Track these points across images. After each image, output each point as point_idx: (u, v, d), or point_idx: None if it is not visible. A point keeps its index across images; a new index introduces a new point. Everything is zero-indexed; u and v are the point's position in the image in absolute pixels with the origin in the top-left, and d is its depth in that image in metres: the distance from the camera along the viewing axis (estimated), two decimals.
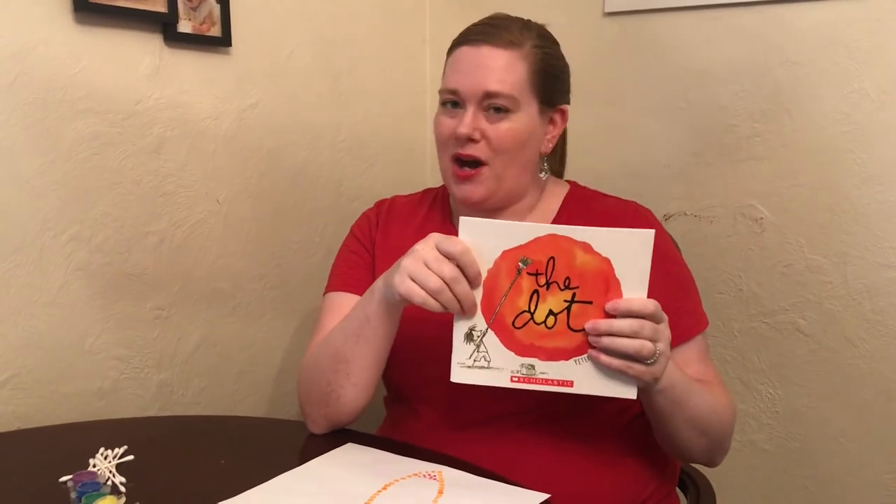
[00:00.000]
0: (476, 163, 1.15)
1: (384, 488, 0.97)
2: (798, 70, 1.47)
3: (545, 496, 0.95)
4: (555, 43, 1.22)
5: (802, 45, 1.46)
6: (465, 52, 1.16)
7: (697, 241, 1.60)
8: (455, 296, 0.96)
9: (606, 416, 1.14)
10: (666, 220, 1.63)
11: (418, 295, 0.96)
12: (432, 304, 0.96)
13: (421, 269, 0.96)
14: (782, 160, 1.51)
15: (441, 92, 1.19)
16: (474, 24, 1.20)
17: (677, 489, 1.28)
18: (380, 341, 1.08)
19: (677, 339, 1.12)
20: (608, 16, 1.66)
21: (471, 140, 1.14)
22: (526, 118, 1.16)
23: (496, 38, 1.15)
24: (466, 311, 0.97)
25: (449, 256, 0.96)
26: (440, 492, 0.96)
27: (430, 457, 1.05)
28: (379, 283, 1.06)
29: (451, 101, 1.17)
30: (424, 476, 1.00)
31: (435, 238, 0.98)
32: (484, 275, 0.97)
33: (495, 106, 1.14)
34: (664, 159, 1.63)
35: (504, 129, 1.14)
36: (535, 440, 1.12)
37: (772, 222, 1.53)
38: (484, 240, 0.96)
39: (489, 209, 1.20)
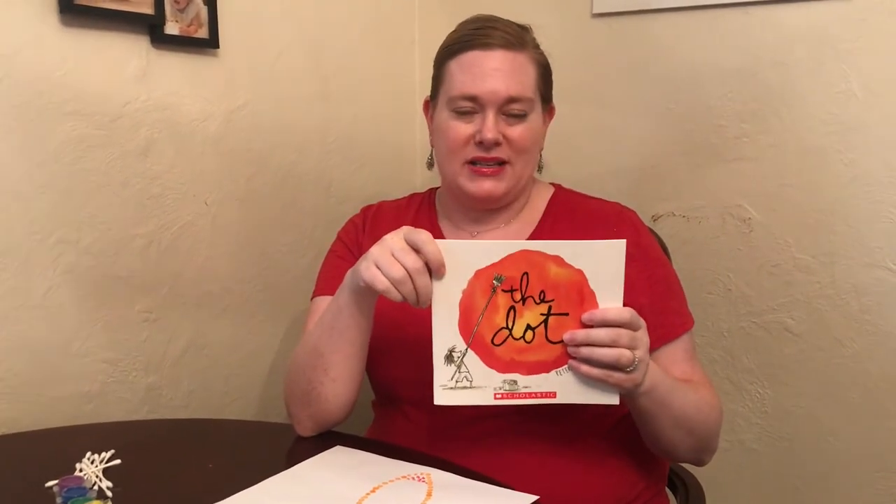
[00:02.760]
0: (499, 163, 1.16)
1: (373, 491, 0.97)
2: (786, 71, 1.48)
3: (533, 498, 0.95)
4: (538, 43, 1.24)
5: (790, 46, 1.47)
6: (476, 56, 1.15)
7: (686, 241, 1.60)
8: (414, 287, 0.96)
9: (593, 416, 1.14)
10: (654, 220, 1.63)
11: (381, 282, 0.97)
12: (394, 294, 0.97)
13: (387, 258, 0.97)
14: (770, 161, 1.51)
15: (454, 98, 1.16)
16: (471, 28, 1.18)
17: (666, 489, 1.28)
18: (353, 332, 1.08)
19: (663, 339, 1.13)
20: (597, 17, 1.66)
21: (496, 144, 1.14)
22: (537, 118, 1.19)
23: (505, 41, 1.15)
24: (421, 304, 0.97)
25: (414, 246, 0.97)
26: (429, 494, 0.96)
27: (418, 459, 1.05)
28: (348, 274, 1.06)
29: (465, 107, 1.16)
30: (413, 478, 1.00)
31: (404, 229, 1.00)
32: (459, 296, 0.97)
33: (515, 109, 1.15)
34: (653, 160, 1.63)
35: (522, 130, 1.16)
36: (522, 441, 1.12)
37: (760, 222, 1.54)
38: (456, 261, 0.97)
39: (497, 208, 1.21)
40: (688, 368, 1.15)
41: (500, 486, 0.98)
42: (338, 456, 1.08)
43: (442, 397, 0.99)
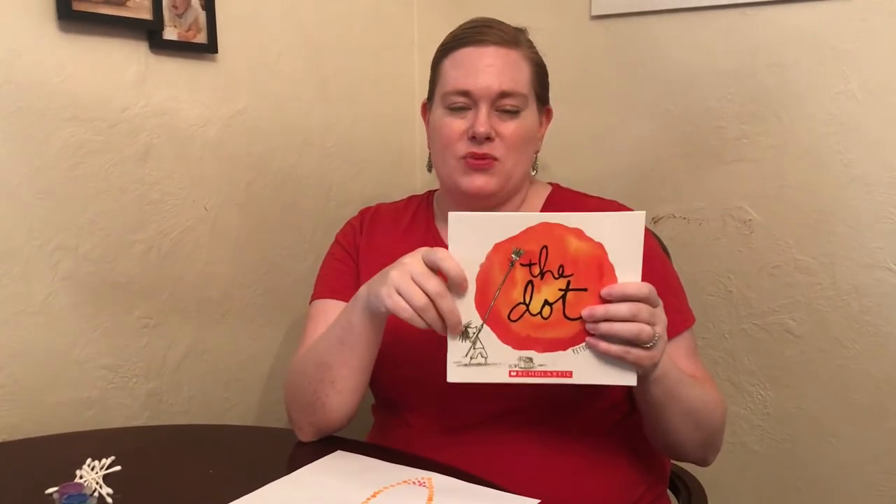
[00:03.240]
0: (491, 159, 1.16)
1: (373, 496, 0.96)
2: (785, 72, 1.48)
3: (535, 501, 0.95)
4: (534, 45, 1.24)
5: (789, 47, 1.47)
6: (470, 52, 1.16)
7: (686, 243, 1.60)
8: (439, 312, 0.94)
9: (595, 417, 1.14)
10: (655, 222, 1.63)
11: (405, 311, 0.95)
12: (418, 322, 0.95)
13: (408, 284, 0.95)
14: (770, 162, 1.51)
15: (447, 94, 1.17)
16: (467, 28, 1.20)
17: (668, 491, 1.28)
18: (363, 349, 1.08)
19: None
20: (595, 19, 1.66)
21: (488, 139, 1.14)
22: (531, 116, 1.19)
23: (499, 38, 1.16)
24: (450, 329, 0.95)
25: (433, 266, 0.95)
26: (430, 499, 0.96)
27: (420, 464, 1.05)
28: (363, 292, 1.05)
29: (459, 105, 1.16)
30: (414, 483, 1.00)
31: (422, 251, 0.98)
32: (477, 270, 0.95)
33: (508, 105, 1.15)
34: (652, 162, 1.63)
35: (515, 127, 1.16)
36: (523, 443, 1.12)
37: (760, 224, 1.53)
38: (475, 234, 0.95)
39: (490, 205, 1.21)
40: (689, 365, 1.15)
41: (502, 491, 0.98)
42: (338, 461, 1.08)
43: (455, 374, 0.97)
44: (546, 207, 1.24)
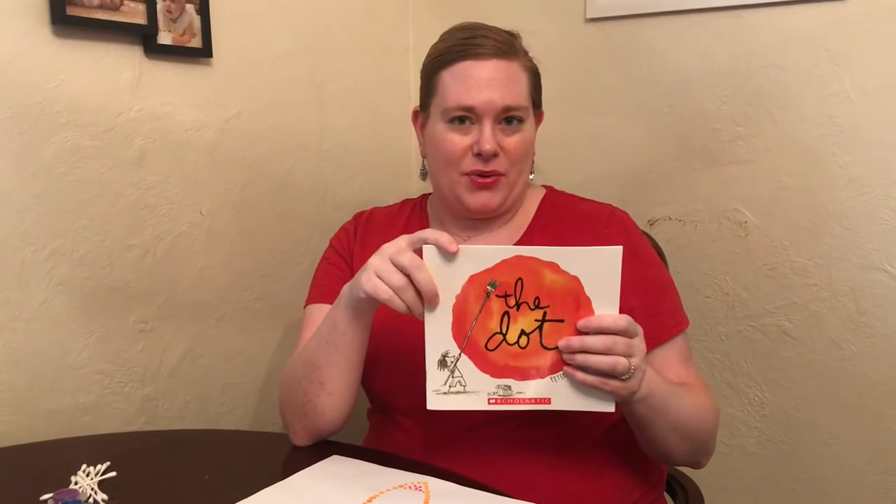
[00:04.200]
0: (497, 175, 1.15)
1: (369, 501, 0.96)
2: (780, 73, 1.48)
3: None
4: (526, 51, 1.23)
5: (784, 49, 1.47)
6: (470, 66, 1.14)
7: (682, 245, 1.60)
8: (416, 284, 0.95)
9: (588, 422, 1.14)
10: (650, 225, 1.63)
11: (384, 292, 0.96)
12: (397, 303, 0.96)
13: (386, 265, 0.97)
14: (766, 164, 1.51)
15: (449, 109, 1.15)
16: (462, 37, 1.17)
17: (665, 494, 1.28)
18: (349, 347, 1.08)
19: (657, 340, 1.12)
20: (590, 22, 1.66)
21: (493, 155, 1.14)
22: (530, 126, 1.18)
23: (497, 50, 1.14)
24: (428, 302, 0.96)
25: (411, 245, 0.97)
26: (426, 503, 0.96)
27: (415, 468, 1.05)
28: (346, 288, 1.06)
29: (460, 118, 1.15)
30: (410, 487, 1.00)
31: (403, 237, 0.99)
32: (453, 300, 0.96)
33: (512, 118, 1.14)
34: (648, 164, 1.63)
35: (517, 140, 1.15)
36: (516, 449, 1.11)
37: (756, 226, 1.54)
38: (450, 266, 0.96)
39: (492, 217, 1.20)
40: (682, 370, 1.15)
41: (498, 495, 0.98)
42: (334, 465, 1.08)
43: (434, 402, 0.98)
44: (539, 212, 1.24)
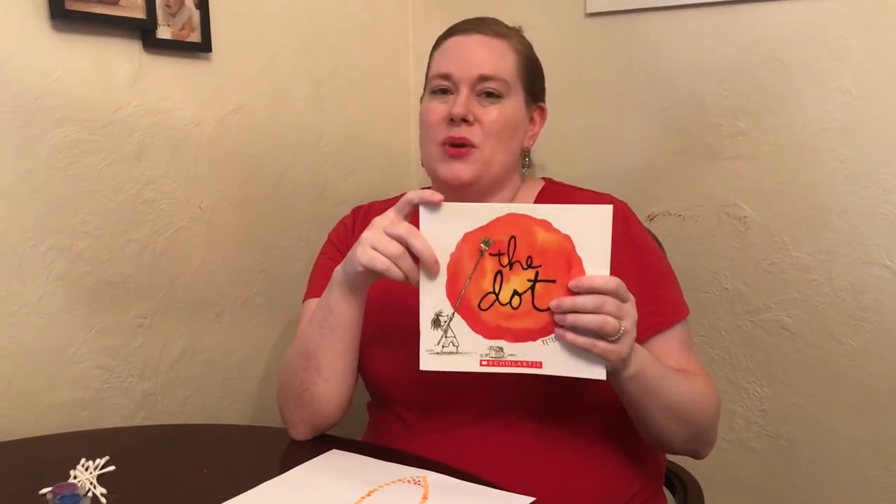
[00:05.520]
0: (469, 146, 1.16)
1: (368, 495, 0.96)
2: (780, 68, 1.47)
3: (530, 499, 0.95)
4: (531, 45, 1.25)
5: (784, 44, 1.47)
6: (456, 40, 1.19)
7: (682, 240, 1.60)
8: (414, 251, 0.96)
9: (588, 414, 1.14)
10: (650, 220, 1.63)
11: (381, 262, 0.97)
12: (395, 272, 0.97)
13: (381, 236, 0.98)
14: (766, 159, 1.51)
15: (431, 78, 1.19)
16: (460, 21, 1.22)
17: (664, 488, 1.28)
18: (343, 330, 1.08)
19: (656, 328, 1.12)
20: (590, 16, 1.66)
21: (464, 122, 1.15)
22: (515, 105, 1.19)
23: (486, 29, 1.18)
24: (427, 268, 0.96)
25: (403, 214, 0.99)
26: (425, 497, 0.96)
27: (414, 462, 1.05)
28: (338, 269, 1.07)
29: (441, 88, 1.18)
30: (409, 481, 1.00)
31: (391, 209, 1.01)
32: (447, 259, 0.97)
33: (488, 90, 1.16)
34: (648, 159, 1.63)
35: (496, 113, 1.16)
36: (515, 442, 1.11)
37: (756, 221, 1.53)
38: (445, 225, 0.97)
39: (473, 194, 1.20)
40: (682, 359, 1.14)
41: (497, 489, 0.98)
42: (333, 460, 1.08)
43: (428, 362, 0.99)
44: (538, 201, 1.24)
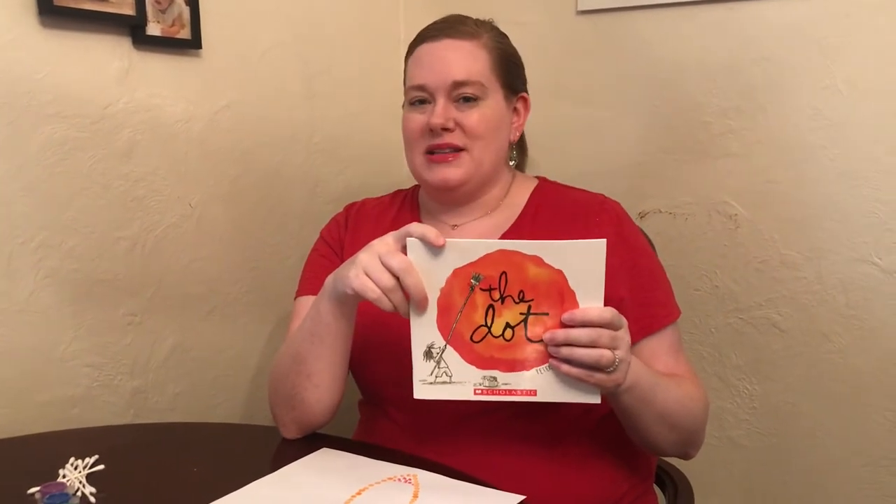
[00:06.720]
0: (454, 149, 1.17)
1: (359, 493, 0.96)
2: (771, 66, 1.48)
3: (520, 498, 0.95)
4: (506, 36, 1.25)
5: (775, 42, 1.47)
6: (425, 48, 1.20)
7: (672, 238, 1.60)
8: (406, 287, 0.95)
9: (576, 415, 1.14)
10: (641, 217, 1.63)
11: (372, 291, 0.96)
12: (385, 304, 0.96)
13: (376, 264, 0.96)
14: (756, 157, 1.51)
15: (408, 91, 1.20)
16: (429, 25, 1.22)
17: (655, 486, 1.28)
18: (334, 339, 1.08)
19: (647, 330, 1.12)
20: (581, 14, 1.66)
21: (445, 129, 1.15)
22: (494, 104, 1.19)
23: (454, 32, 1.18)
24: (417, 306, 0.96)
25: (400, 243, 0.97)
26: (415, 495, 0.96)
27: (405, 460, 1.05)
28: (329, 280, 1.06)
29: (419, 99, 1.19)
30: (399, 480, 1.00)
31: (391, 234, 0.99)
32: (437, 294, 0.96)
33: (464, 95, 1.16)
34: (638, 157, 1.63)
35: (476, 116, 1.17)
36: (505, 441, 1.11)
37: (746, 219, 1.54)
38: (434, 259, 0.96)
39: (463, 197, 1.20)
40: (671, 362, 1.15)
41: (487, 487, 0.98)
42: (324, 458, 1.08)
43: (421, 392, 0.99)
44: (531, 202, 1.24)
